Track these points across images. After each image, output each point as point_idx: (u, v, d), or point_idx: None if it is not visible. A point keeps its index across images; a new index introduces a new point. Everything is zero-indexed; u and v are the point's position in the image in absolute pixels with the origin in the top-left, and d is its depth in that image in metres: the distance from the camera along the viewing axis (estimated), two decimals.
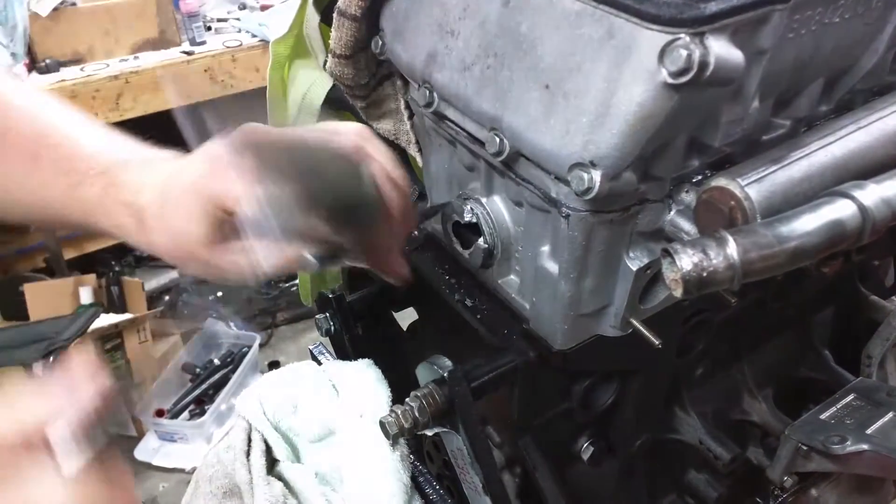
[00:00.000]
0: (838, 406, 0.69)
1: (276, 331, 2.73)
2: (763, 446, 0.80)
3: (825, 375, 0.83)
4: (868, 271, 0.87)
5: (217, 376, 2.40)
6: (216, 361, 2.47)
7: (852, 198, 0.41)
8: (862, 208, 0.40)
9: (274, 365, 2.59)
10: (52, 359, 1.93)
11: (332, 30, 0.59)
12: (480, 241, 0.59)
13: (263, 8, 2.54)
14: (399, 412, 0.54)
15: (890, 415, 0.65)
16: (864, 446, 0.61)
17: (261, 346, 2.62)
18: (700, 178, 0.50)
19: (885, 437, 0.62)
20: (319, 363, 0.80)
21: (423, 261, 0.67)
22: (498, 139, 0.49)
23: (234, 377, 2.35)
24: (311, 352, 0.81)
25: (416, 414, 0.54)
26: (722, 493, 0.76)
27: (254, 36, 2.34)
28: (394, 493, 0.55)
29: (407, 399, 0.55)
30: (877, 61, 0.52)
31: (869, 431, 0.64)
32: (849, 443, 0.62)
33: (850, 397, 0.70)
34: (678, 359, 0.68)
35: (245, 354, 2.46)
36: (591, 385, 0.63)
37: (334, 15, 0.58)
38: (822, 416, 0.68)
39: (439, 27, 0.53)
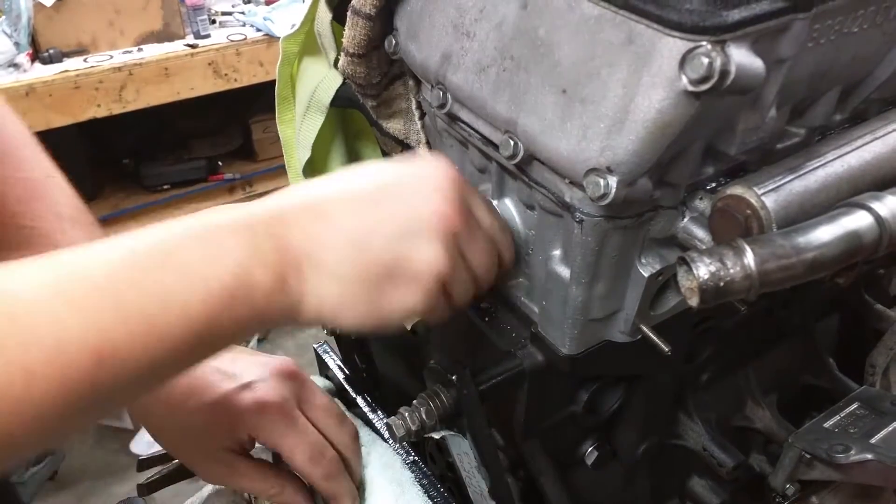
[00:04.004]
0: (842, 414, 0.69)
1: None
2: (766, 453, 0.80)
3: (829, 383, 0.83)
4: (873, 280, 0.87)
5: None
6: None
7: (869, 209, 0.41)
8: (879, 220, 0.40)
9: None
10: None
11: (346, 28, 0.59)
12: None
13: (268, 2, 2.54)
14: (406, 414, 0.54)
15: (894, 424, 0.65)
16: (869, 456, 0.61)
17: (259, 341, 2.62)
18: (714, 185, 0.50)
19: (889, 447, 0.62)
20: (324, 363, 0.80)
21: None
22: (512, 142, 0.49)
23: None
24: (315, 351, 0.81)
25: (423, 416, 0.54)
26: (724, 499, 0.76)
27: (258, 30, 2.34)
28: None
29: (414, 401, 0.55)
30: (893, 72, 0.51)
31: (873, 441, 0.64)
32: (853, 452, 0.62)
33: (854, 406, 0.70)
34: (685, 365, 0.67)
35: None
36: (597, 390, 0.62)
37: (348, 14, 0.58)
38: (826, 425, 0.68)
39: (455, 28, 0.53)
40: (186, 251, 0.41)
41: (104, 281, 0.38)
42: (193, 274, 0.40)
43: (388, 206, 0.45)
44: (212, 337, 0.41)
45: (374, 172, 0.48)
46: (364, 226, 0.44)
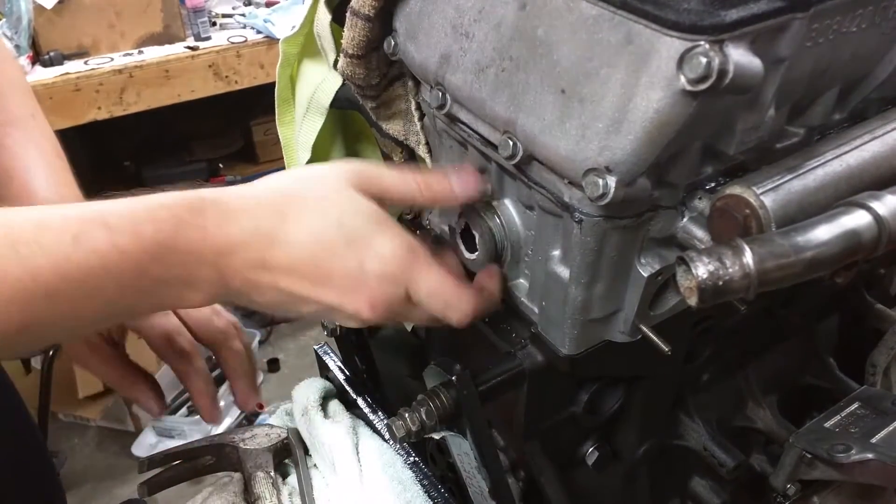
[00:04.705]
0: (843, 414, 0.69)
1: (275, 328, 2.73)
2: (766, 453, 0.80)
3: (830, 383, 0.83)
4: (874, 279, 0.87)
5: (216, 372, 2.39)
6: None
7: (868, 208, 0.41)
8: (878, 219, 0.40)
9: (273, 362, 2.59)
10: (51, 352, 1.93)
11: (345, 29, 0.59)
12: (477, 253, 0.59)
13: (269, 4, 2.54)
14: (406, 415, 0.54)
15: (895, 424, 0.65)
16: (870, 455, 0.61)
17: (260, 343, 2.63)
18: (713, 185, 0.50)
19: (890, 447, 0.62)
20: (325, 364, 0.80)
21: None
22: (511, 143, 0.49)
23: None
24: (316, 353, 0.81)
25: (423, 417, 0.54)
26: (725, 499, 0.76)
27: (259, 32, 2.34)
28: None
29: (414, 402, 0.55)
30: (892, 71, 0.51)
31: (874, 440, 0.63)
32: (853, 451, 0.62)
33: (855, 406, 0.69)
34: (685, 365, 0.67)
35: None
36: (597, 390, 0.62)
37: (347, 15, 0.58)
38: (827, 425, 0.67)
39: (454, 29, 0.53)
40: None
41: (56, 229, 0.44)
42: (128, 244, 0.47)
43: (322, 291, 0.50)
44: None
45: (326, 246, 0.50)
46: (296, 298, 0.50)
